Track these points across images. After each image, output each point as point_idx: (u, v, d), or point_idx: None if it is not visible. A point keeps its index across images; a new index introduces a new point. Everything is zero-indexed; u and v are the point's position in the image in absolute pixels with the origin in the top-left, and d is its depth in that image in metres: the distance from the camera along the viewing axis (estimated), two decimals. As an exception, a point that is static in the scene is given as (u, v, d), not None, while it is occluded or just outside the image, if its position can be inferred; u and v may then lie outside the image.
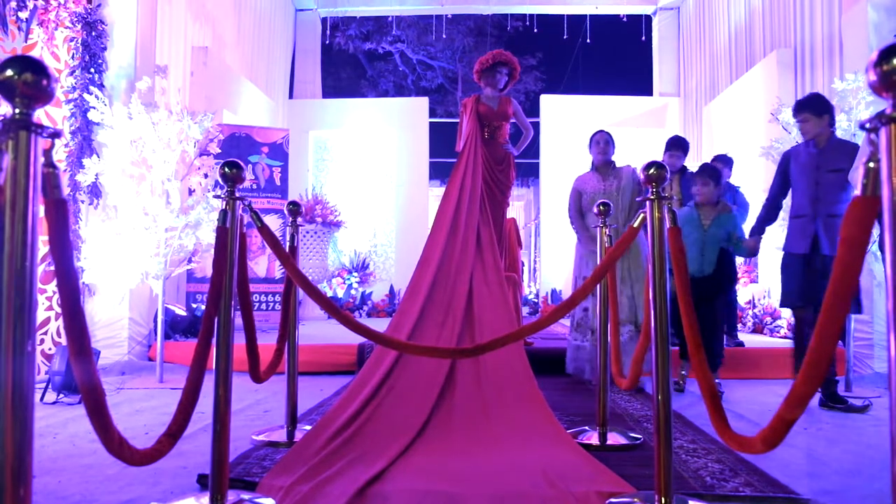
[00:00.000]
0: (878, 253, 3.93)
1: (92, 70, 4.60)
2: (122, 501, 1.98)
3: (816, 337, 1.18)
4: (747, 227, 4.29)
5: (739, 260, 6.32)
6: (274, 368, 2.55)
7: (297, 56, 10.11)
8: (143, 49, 4.97)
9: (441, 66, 18.27)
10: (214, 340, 1.90)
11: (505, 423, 2.68)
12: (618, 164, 4.29)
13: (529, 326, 2.10)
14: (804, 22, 6.28)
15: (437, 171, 13.53)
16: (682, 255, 1.91)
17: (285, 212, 2.96)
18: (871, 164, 1.05)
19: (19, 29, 4.29)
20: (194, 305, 6.00)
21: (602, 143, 4.25)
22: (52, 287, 4.37)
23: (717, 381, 3.76)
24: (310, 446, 2.40)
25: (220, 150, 4.66)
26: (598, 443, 2.72)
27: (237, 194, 2.00)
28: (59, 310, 4.31)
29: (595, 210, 3.00)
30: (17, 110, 1.09)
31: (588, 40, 10.01)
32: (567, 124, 9.41)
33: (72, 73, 4.56)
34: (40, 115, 1.10)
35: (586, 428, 2.90)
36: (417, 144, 9.55)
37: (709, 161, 5.20)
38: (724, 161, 5.28)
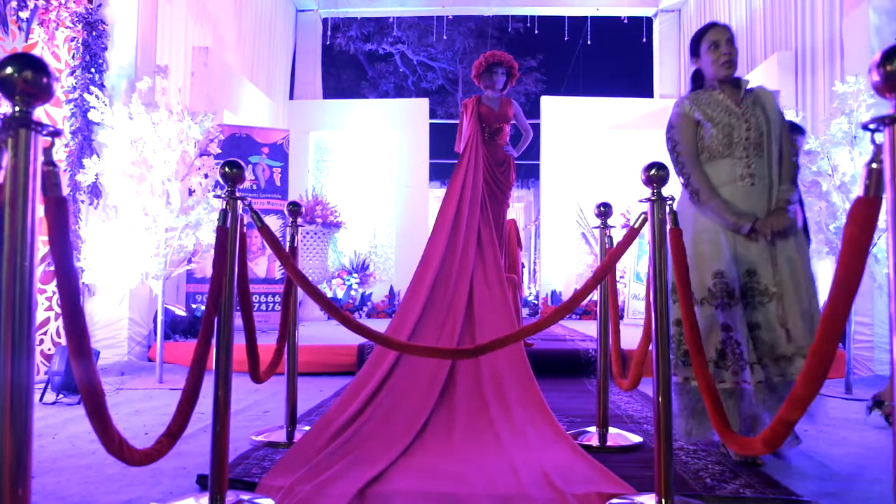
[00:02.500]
0: (877, 255, 3.92)
1: (92, 70, 4.60)
2: (121, 502, 1.98)
3: (818, 339, 1.18)
4: None
5: None
6: (274, 369, 2.55)
7: (297, 57, 10.12)
8: (144, 49, 4.97)
9: (442, 67, 18.28)
10: (214, 341, 1.90)
11: (505, 424, 2.68)
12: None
13: (530, 327, 2.10)
14: (805, 24, 6.28)
15: (438, 173, 13.53)
16: (683, 257, 1.91)
17: (285, 212, 2.96)
18: (874, 165, 1.05)
19: (20, 28, 4.29)
20: (194, 306, 5.99)
21: (724, 44, 2.54)
22: (51, 287, 4.36)
23: None
24: (309, 446, 2.40)
25: (220, 151, 4.66)
26: (598, 444, 2.71)
27: (237, 194, 2.00)
28: (58, 310, 4.31)
29: (595, 211, 2.97)
30: (16, 108, 1.09)
31: (589, 42, 10.01)
32: (567, 126, 9.41)
33: (72, 73, 4.56)
34: (40, 114, 1.10)
35: (586, 429, 2.90)
36: (418, 145, 9.55)
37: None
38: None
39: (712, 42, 2.56)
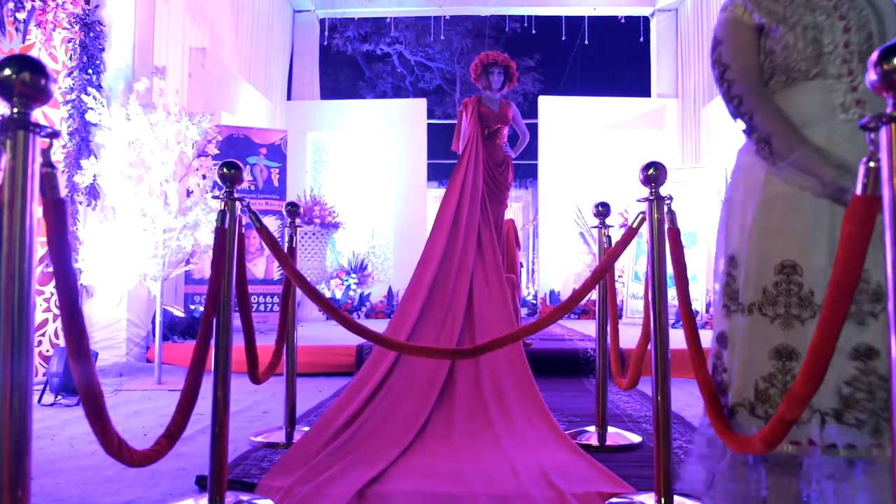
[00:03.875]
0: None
1: (90, 71, 4.59)
2: (120, 503, 1.98)
3: (817, 337, 1.18)
4: None
5: None
6: (272, 370, 2.54)
7: (295, 57, 10.11)
8: (141, 50, 4.97)
9: (439, 67, 18.28)
10: (213, 342, 1.90)
11: (504, 424, 2.68)
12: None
13: (528, 327, 2.10)
14: (802, 23, 6.28)
15: (436, 173, 13.52)
16: (682, 258, 1.91)
17: (283, 213, 2.96)
18: (872, 164, 1.06)
19: (17, 30, 4.28)
20: (192, 307, 5.99)
21: None
22: (49, 288, 4.36)
23: None
24: (309, 447, 2.40)
25: (218, 151, 4.65)
26: (597, 443, 2.72)
27: (236, 195, 2.00)
28: (57, 311, 4.30)
29: (594, 210, 2.96)
30: (14, 109, 1.08)
31: (586, 41, 10.02)
32: (565, 125, 9.41)
33: (69, 75, 4.55)
34: (38, 115, 1.11)
35: (585, 428, 2.90)
36: (415, 146, 9.55)
37: None
38: None
39: None
